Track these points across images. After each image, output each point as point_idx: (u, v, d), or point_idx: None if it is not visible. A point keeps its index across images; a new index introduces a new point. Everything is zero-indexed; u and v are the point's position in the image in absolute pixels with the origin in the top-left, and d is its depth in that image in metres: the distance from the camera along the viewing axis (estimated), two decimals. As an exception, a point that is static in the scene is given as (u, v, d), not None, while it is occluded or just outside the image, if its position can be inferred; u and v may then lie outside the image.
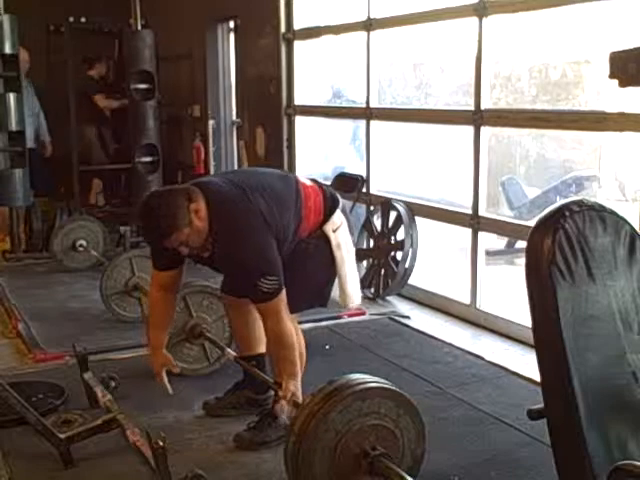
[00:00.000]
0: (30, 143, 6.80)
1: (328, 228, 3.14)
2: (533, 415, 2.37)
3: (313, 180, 3.27)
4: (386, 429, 2.50)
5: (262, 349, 3.31)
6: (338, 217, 3.17)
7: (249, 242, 2.89)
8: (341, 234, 3.16)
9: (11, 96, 6.47)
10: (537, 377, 2.37)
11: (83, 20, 7.86)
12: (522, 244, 4.70)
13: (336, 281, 3.23)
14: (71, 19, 7.68)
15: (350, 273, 3.21)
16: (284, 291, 2.93)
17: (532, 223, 2.39)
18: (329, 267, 3.16)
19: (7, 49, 6.37)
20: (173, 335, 3.79)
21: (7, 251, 6.68)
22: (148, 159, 6.93)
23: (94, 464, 3.01)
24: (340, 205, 3.21)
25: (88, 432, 3.05)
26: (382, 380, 2.60)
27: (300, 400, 2.88)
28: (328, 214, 3.15)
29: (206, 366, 3.88)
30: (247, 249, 2.88)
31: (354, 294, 3.26)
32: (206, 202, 2.90)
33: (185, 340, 3.83)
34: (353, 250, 3.25)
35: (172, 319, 3.32)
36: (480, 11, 4.50)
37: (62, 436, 2.99)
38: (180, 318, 3.78)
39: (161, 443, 2.51)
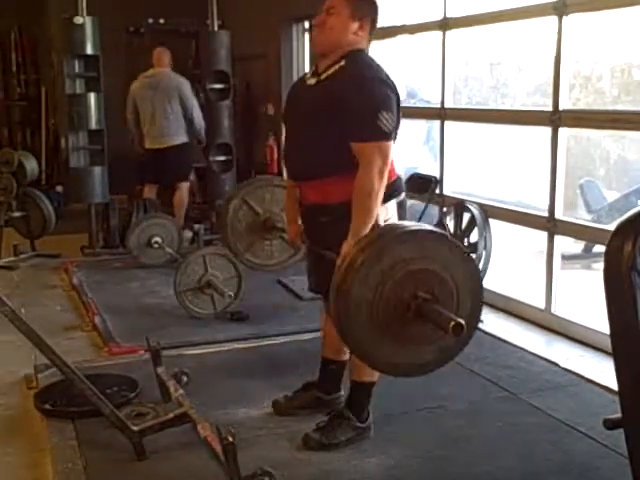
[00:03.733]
0: (176, 139, 6.90)
1: (380, 215, 2.94)
2: (609, 425, 2.30)
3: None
4: (433, 273, 2.36)
5: (346, 357, 3.29)
6: (392, 209, 3.03)
7: (378, 76, 2.88)
8: None
9: (92, 96, 6.66)
10: (614, 385, 2.30)
11: (162, 21, 8.03)
12: (600, 248, 4.58)
13: None
14: (150, 20, 7.86)
15: None
16: (391, 144, 2.86)
17: (611, 227, 2.33)
18: None
19: (88, 50, 6.56)
20: (248, 237, 3.80)
21: (85, 246, 6.86)
22: (222, 158, 7.03)
23: (165, 457, 3.06)
24: (400, 197, 3.08)
25: (160, 425, 3.10)
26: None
27: None
28: (386, 196, 2.96)
29: (294, 254, 3.89)
30: (375, 79, 2.86)
31: None
32: (360, 49, 2.95)
33: (262, 238, 3.83)
34: None
35: None
36: (560, 9, 4.40)
37: (135, 428, 3.04)
38: (248, 217, 3.81)
39: (231, 439, 2.53)
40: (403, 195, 3.13)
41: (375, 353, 2.40)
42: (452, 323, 2.22)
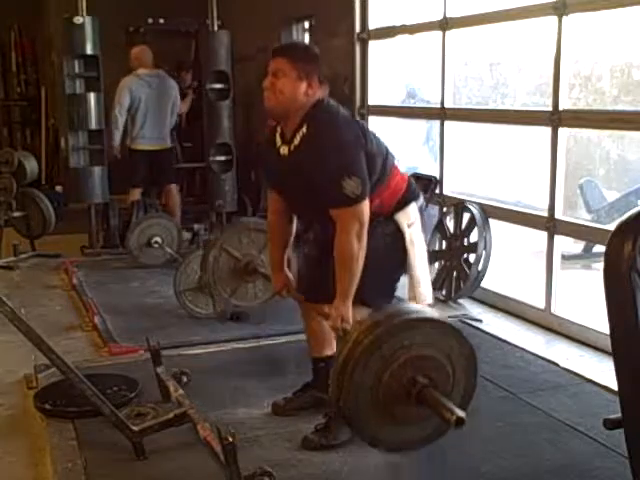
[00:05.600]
0: (169, 142, 7.00)
1: (402, 220, 3.08)
2: (609, 425, 2.30)
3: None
4: (434, 360, 2.43)
5: (331, 352, 3.31)
6: (414, 212, 3.12)
7: (341, 138, 2.91)
8: (415, 231, 3.12)
9: (92, 96, 6.66)
10: (614, 385, 2.30)
11: (162, 21, 8.03)
12: (600, 248, 4.59)
13: (407, 280, 3.17)
14: (150, 20, 7.86)
15: (422, 272, 3.16)
16: (364, 205, 2.89)
17: (611, 227, 2.33)
18: (400, 264, 3.11)
19: (88, 50, 6.56)
20: (231, 283, 3.81)
21: (85, 246, 6.86)
22: (222, 158, 7.03)
23: (165, 456, 3.06)
24: (419, 202, 3.17)
25: (160, 425, 3.10)
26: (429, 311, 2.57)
27: (350, 323, 2.87)
28: (403, 203, 3.09)
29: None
30: (337, 143, 2.90)
31: (426, 294, 3.19)
32: (318, 102, 2.99)
33: (245, 282, 3.85)
34: (425, 249, 3.21)
35: (289, 239, 3.33)
36: (560, 9, 4.40)
37: (135, 428, 3.04)
38: (229, 264, 3.81)
39: (231, 439, 2.53)
40: (422, 199, 3.20)
41: (379, 435, 2.47)
42: (454, 417, 2.30)
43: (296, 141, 2.98)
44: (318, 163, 2.89)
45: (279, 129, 3.09)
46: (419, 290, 3.16)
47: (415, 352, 2.40)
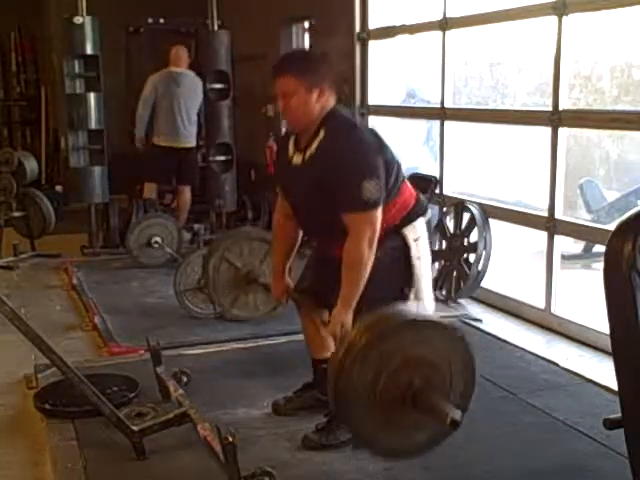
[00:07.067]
0: (190, 141, 6.98)
1: (409, 234, 3.05)
2: (609, 425, 2.30)
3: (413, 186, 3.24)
4: (429, 360, 2.42)
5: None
6: (421, 227, 3.10)
7: (362, 140, 2.92)
8: (422, 246, 3.10)
9: (92, 96, 6.66)
10: (614, 385, 2.30)
11: (162, 21, 8.03)
12: (600, 248, 4.59)
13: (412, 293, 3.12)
14: (150, 20, 7.86)
15: (427, 285, 3.13)
16: (378, 212, 2.88)
17: (611, 227, 2.33)
18: (405, 278, 3.05)
19: (88, 50, 6.57)
20: (231, 293, 3.80)
21: (85, 246, 6.86)
22: (222, 158, 7.04)
23: (165, 456, 3.06)
24: (427, 216, 3.15)
25: (160, 425, 3.10)
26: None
27: (349, 331, 2.81)
28: (410, 218, 3.07)
29: (279, 305, 3.89)
30: (358, 145, 2.89)
31: (428, 306, 3.16)
32: (332, 110, 2.98)
33: (245, 292, 3.83)
34: (430, 262, 3.19)
35: (294, 247, 3.31)
36: (559, 9, 4.40)
37: (135, 428, 3.04)
38: (229, 273, 3.81)
39: (231, 439, 2.53)
40: (429, 214, 3.20)
41: (374, 439, 2.48)
42: (449, 419, 2.31)
43: (312, 149, 2.96)
44: (336, 165, 2.86)
45: (293, 138, 3.08)
46: (422, 302, 3.12)
47: (413, 352, 2.39)
